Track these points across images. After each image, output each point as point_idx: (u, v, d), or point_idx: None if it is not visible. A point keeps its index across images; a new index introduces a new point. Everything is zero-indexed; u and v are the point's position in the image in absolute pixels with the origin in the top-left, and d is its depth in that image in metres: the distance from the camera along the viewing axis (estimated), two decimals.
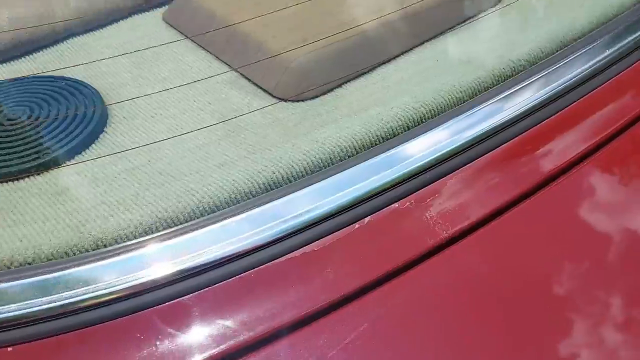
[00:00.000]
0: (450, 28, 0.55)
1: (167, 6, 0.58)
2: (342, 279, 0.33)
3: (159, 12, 0.58)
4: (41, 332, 0.30)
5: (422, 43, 0.53)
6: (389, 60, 0.51)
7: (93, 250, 0.34)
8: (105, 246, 0.34)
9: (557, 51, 0.48)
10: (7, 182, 0.40)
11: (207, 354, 0.30)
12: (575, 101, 0.44)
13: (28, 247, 0.33)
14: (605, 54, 0.47)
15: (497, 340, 0.33)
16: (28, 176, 0.41)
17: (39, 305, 0.30)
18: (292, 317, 0.31)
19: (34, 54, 0.53)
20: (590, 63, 0.46)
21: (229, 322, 0.31)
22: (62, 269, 0.32)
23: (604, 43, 0.50)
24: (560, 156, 0.41)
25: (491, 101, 0.42)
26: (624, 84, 0.46)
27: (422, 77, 0.48)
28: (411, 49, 0.52)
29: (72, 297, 0.31)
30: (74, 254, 0.33)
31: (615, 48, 0.48)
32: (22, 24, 0.52)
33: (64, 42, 0.54)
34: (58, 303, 0.30)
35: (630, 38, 0.50)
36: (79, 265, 0.32)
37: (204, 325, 0.31)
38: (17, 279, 0.31)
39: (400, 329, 0.32)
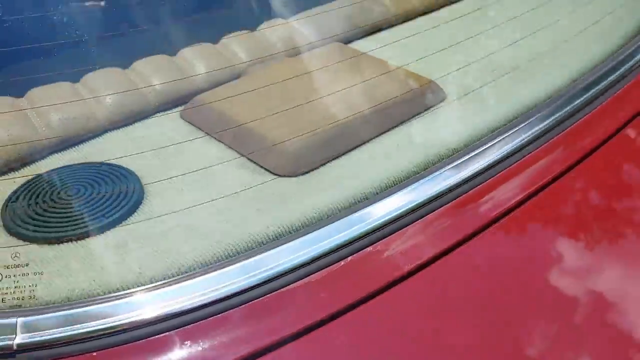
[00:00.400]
0: (409, 119, 0.70)
1: (183, 106, 0.73)
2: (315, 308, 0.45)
3: (177, 111, 0.72)
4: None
5: (387, 131, 0.69)
6: (362, 144, 0.66)
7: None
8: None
9: (485, 137, 0.64)
10: (69, 242, 0.52)
11: None
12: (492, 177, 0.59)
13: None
14: (521, 137, 0.63)
15: None
16: (85, 238, 0.53)
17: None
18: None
19: (80, 145, 0.66)
20: (506, 147, 0.61)
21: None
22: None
23: (524, 128, 0.66)
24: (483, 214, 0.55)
25: (434, 174, 0.57)
26: (537, 162, 0.62)
27: (386, 156, 0.63)
28: (378, 135, 0.67)
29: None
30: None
31: (531, 132, 0.64)
32: (71, 123, 0.66)
33: (103, 135, 0.68)
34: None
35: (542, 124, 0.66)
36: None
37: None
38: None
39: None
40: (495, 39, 0.91)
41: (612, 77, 0.76)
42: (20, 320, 0.41)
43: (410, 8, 0.98)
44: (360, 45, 0.88)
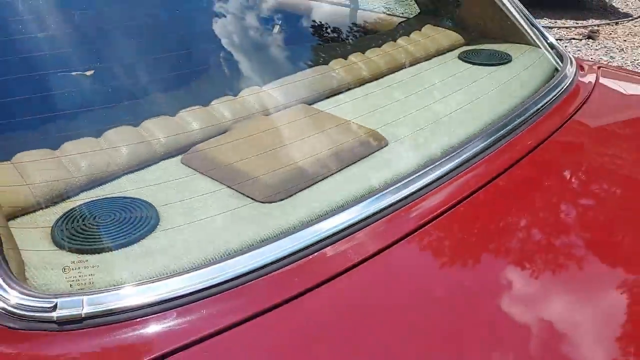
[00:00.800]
0: (357, 160, 0.92)
1: (183, 155, 0.93)
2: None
3: (178, 157, 0.93)
4: None
5: (340, 170, 0.90)
6: (323, 179, 0.87)
7: None
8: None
9: (413, 171, 0.87)
10: (103, 253, 0.70)
11: None
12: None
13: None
14: (437, 171, 0.86)
15: None
16: (117, 249, 0.71)
17: None
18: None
19: (103, 185, 0.85)
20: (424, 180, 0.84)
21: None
22: None
23: (442, 163, 0.88)
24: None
25: (364, 202, 0.78)
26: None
27: (339, 188, 0.84)
28: (334, 173, 0.89)
29: None
30: None
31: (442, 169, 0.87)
32: (96, 168, 0.86)
33: (122, 177, 0.87)
34: None
35: None
36: None
37: None
38: None
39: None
40: (423, 100, 1.16)
41: (504, 130, 1.01)
42: (85, 297, 0.60)
43: (360, 76, 1.23)
44: (321, 105, 1.11)
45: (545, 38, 1.46)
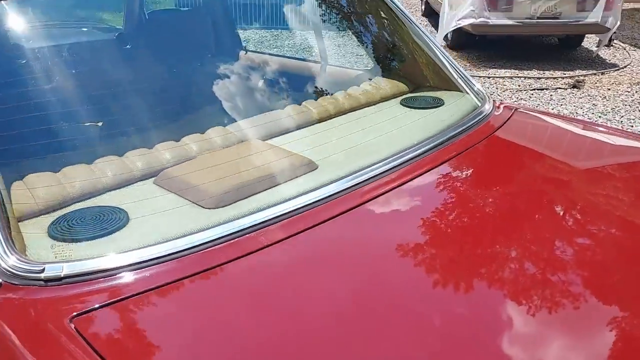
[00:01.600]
0: (285, 181, 1.18)
1: (155, 177, 1.19)
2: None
3: (151, 180, 1.19)
4: None
5: (269, 188, 1.15)
6: (253, 194, 1.12)
7: None
8: None
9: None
10: (80, 241, 0.96)
11: None
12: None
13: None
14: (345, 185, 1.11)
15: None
16: (88, 239, 0.97)
17: None
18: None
19: (91, 198, 1.12)
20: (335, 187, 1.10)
21: None
22: None
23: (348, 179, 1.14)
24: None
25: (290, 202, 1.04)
26: None
27: (263, 200, 1.10)
28: (261, 191, 1.14)
29: None
30: None
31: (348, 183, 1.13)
32: (87, 186, 1.12)
33: (101, 196, 1.13)
34: None
35: None
36: None
37: None
38: None
39: None
40: (358, 134, 1.42)
41: (418, 151, 1.27)
42: (64, 264, 0.85)
43: (310, 118, 1.50)
44: (272, 141, 1.37)
45: (473, 85, 1.73)
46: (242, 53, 2.27)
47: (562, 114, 4.69)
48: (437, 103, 1.67)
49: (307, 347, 0.77)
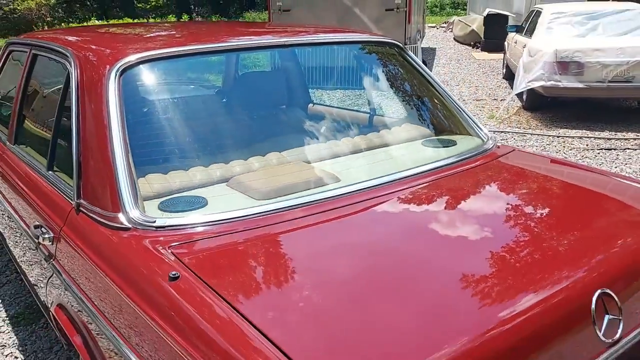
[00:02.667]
0: (316, 187, 1.69)
1: (227, 181, 1.75)
2: None
3: (225, 183, 1.75)
4: None
5: (311, 188, 1.67)
6: (293, 193, 1.65)
7: None
8: None
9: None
10: (180, 212, 1.52)
11: None
12: None
13: None
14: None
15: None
16: (183, 211, 1.53)
17: None
18: None
19: (185, 192, 1.69)
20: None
21: None
22: None
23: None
24: None
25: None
26: None
27: (302, 194, 1.62)
28: (303, 190, 1.66)
29: None
30: None
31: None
32: (190, 183, 1.70)
33: (192, 191, 1.70)
34: None
35: None
36: None
37: None
38: None
39: None
40: (384, 161, 1.92)
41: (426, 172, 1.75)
42: (167, 220, 1.42)
43: (346, 151, 2.01)
44: (316, 164, 1.89)
45: (480, 130, 2.17)
46: (310, 105, 2.87)
47: (624, 173, 4.84)
48: (451, 143, 2.12)
49: (337, 277, 1.26)
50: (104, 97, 1.62)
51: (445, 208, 1.64)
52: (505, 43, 9.58)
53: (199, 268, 1.24)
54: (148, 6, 28.18)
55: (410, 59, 2.33)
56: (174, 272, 1.21)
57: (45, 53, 2.15)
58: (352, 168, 1.88)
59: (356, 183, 1.68)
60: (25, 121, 2.33)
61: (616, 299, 1.22)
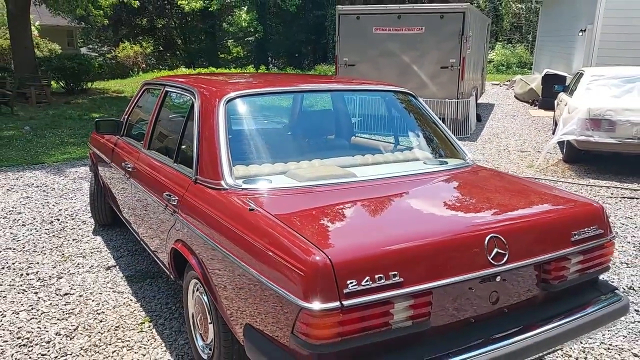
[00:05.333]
0: (342, 175, 2.66)
1: (285, 173, 2.75)
2: None
3: (284, 174, 2.75)
4: None
5: (335, 178, 2.64)
6: (324, 179, 2.61)
7: None
8: None
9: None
10: (260, 180, 2.53)
11: None
12: None
13: None
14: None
15: None
16: (264, 180, 2.54)
17: None
18: None
19: (266, 176, 2.70)
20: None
21: None
22: None
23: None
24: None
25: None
26: None
27: (335, 181, 2.59)
28: (330, 178, 2.63)
29: None
30: None
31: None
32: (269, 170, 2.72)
33: (262, 177, 2.71)
34: None
35: None
36: None
37: None
38: None
39: None
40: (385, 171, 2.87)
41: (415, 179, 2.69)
42: (244, 184, 2.43)
43: (361, 162, 2.98)
44: (352, 168, 2.86)
45: (465, 154, 3.08)
46: (357, 138, 3.87)
47: (638, 218, 5.45)
48: (443, 162, 3.04)
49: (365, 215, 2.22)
50: (214, 118, 2.68)
51: (422, 189, 2.59)
52: (556, 102, 10.27)
53: (264, 206, 2.24)
54: (229, 57, 30.75)
55: (419, 104, 3.30)
56: (250, 207, 2.20)
57: (177, 90, 3.29)
58: (368, 171, 2.82)
59: (366, 178, 2.64)
60: (156, 134, 3.46)
61: (504, 240, 2.09)
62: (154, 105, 3.54)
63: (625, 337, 3.15)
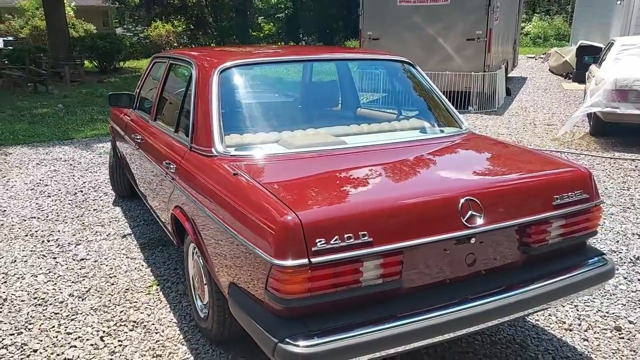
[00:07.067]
0: (333, 143, 2.72)
1: (278, 141, 2.82)
2: None
3: (277, 142, 2.83)
4: None
5: (324, 145, 2.70)
6: (312, 145, 2.68)
7: None
8: None
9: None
10: (253, 148, 2.62)
11: None
12: None
13: None
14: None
15: None
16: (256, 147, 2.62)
17: None
18: None
19: (250, 145, 2.79)
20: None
21: None
22: None
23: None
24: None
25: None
26: None
27: (327, 144, 2.65)
28: (319, 145, 2.69)
29: None
30: None
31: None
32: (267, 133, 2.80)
33: (255, 144, 2.79)
34: None
35: None
36: None
37: None
38: None
39: None
40: (383, 138, 2.91)
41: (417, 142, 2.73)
42: (235, 152, 2.52)
43: (356, 131, 3.02)
44: (345, 137, 2.91)
45: (462, 122, 3.08)
46: (359, 109, 3.90)
47: None
48: (442, 131, 3.06)
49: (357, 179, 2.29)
50: (209, 87, 2.76)
51: (408, 156, 2.65)
52: (587, 74, 9.97)
53: (248, 171, 2.32)
54: (261, 34, 30.77)
55: (418, 74, 3.31)
56: (235, 172, 2.29)
57: (179, 62, 3.39)
58: (360, 140, 2.86)
59: (356, 145, 2.68)
60: (161, 105, 3.58)
61: (479, 203, 2.12)
62: (160, 78, 3.65)
63: (624, 305, 3.13)
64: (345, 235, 1.90)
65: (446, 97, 3.33)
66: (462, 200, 2.10)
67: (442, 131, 3.06)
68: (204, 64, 2.95)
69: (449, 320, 2.04)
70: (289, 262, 1.85)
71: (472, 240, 2.14)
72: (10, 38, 21.98)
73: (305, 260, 1.85)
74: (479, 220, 2.11)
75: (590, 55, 10.61)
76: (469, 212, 2.10)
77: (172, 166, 2.89)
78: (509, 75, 13.09)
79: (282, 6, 26.37)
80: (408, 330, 1.98)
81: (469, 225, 2.09)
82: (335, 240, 1.88)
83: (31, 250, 3.97)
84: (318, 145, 2.66)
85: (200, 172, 2.55)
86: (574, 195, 2.34)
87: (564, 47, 17.10)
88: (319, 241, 1.87)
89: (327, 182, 2.33)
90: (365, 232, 1.93)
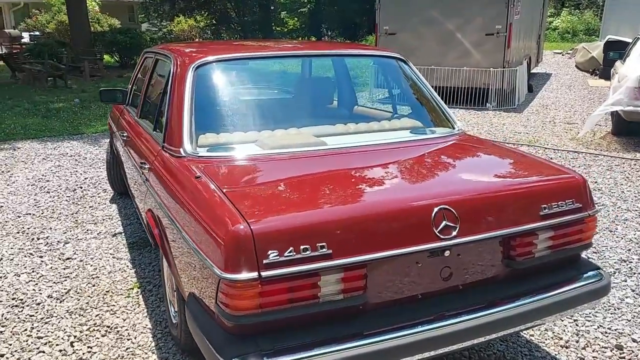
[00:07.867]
0: (313, 144, 2.56)
1: (256, 142, 2.68)
2: None
3: (255, 143, 2.68)
4: None
5: (302, 146, 2.54)
6: (291, 147, 2.52)
7: None
8: None
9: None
10: (224, 150, 2.48)
11: None
12: None
13: None
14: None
15: None
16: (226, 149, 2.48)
17: None
18: None
19: (224, 146, 2.65)
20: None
21: None
22: None
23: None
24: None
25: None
26: None
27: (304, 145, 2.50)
28: (297, 147, 2.53)
29: None
30: None
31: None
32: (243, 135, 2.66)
33: (229, 145, 2.65)
34: None
35: None
36: None
37: None
38: None
39: None
40: (360, 140, 2.74)
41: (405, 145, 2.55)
42: (207, 152, 2.37)
43: (349, 130, 2.85)
44: (326, 138, 2.75)
45: (455, 122, 2.89)
46: (355, 107, 3.73)
47: None
48: (432, 132, 2.87)
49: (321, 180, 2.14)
50: (183, 84, 2.63)
51: (387, 159, 2.48)
52: (612, 71, 9.56)
53: (211, 175, 2.17)
54: (285, 29, 30.63)
55: (410, 71, 3.12)
56: (198, 175, 2.15)
57: (162, 58, 3.26)
58: (344, 140, 2.69)
59: (336, 147, 2.52)
60: (146, 102, 3.47)
61: (455, 213, 1.94)
62: (147, 74, 3.54)
63: (629, 321, 2.90)
64: (302, 247, 1.74)
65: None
66: (435, 210, 1.92)
67: (433, 132, 2.87)
68: (181, 60, 2.82)
69: (420, 340, 1.87)
70: (238, 276, 1.70)
71: (447, 253, 1.96)
72: (37, 33, 22.31)
73: (255, 274, 1.70)
74: (454, 232, 1.93)
75: (615, 51, 10.17)
76: (443, 223, 1.92)
77: (146, 166, 2.77)
78: (532, 72, 12.68)
79: (305, 1, 26.16)
80: (373, 350, 1.82)
81: (442, 237, 1.91)
82: (290, 252, 1.73)
83: (19, 248, 3.92)
84: (295, 146, 2.51)
85: (167, 173, 2.42)
86: (565, 204, 2.13)
87: (592, 43, 16.52)
88: (271, 253, 1.72)
89: (293, 187, 2.17)
90: (324, 244, 1.77)
